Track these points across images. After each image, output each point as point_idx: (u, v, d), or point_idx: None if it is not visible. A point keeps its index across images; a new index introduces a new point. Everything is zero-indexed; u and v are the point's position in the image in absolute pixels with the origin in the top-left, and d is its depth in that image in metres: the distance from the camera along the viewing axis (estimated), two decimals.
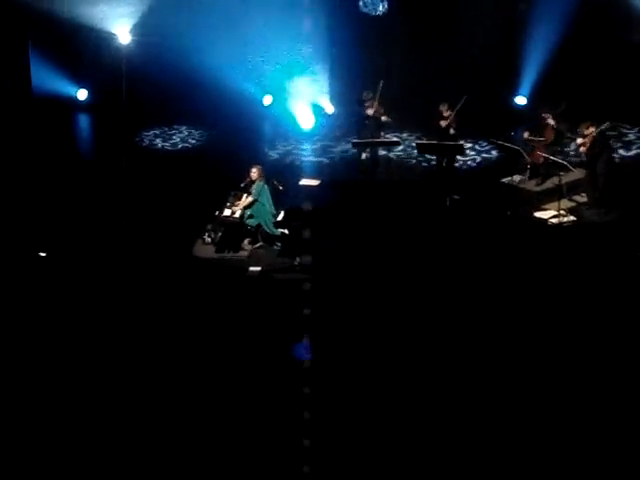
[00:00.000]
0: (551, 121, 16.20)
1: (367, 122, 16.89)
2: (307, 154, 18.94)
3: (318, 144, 19.37)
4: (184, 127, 20.70)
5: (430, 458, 9.45)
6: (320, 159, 18.78)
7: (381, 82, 16.69)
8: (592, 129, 15.22)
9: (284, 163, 18.44)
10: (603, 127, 15.34)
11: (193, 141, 20.17)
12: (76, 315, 12.34)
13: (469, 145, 18.40)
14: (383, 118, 16.90)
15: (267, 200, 14.62)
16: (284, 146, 19.39)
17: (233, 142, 19.10)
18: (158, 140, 20.12)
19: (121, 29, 20.45)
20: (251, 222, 14.60)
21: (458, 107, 16.31)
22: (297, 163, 18.61)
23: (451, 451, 9.52)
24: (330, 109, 18.14)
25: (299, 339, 10.67)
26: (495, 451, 9.50)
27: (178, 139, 20.24)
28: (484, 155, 18.35)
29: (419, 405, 10.24)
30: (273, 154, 19.05)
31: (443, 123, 16.39)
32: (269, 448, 9.58)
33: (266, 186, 14.67)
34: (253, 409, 10.21)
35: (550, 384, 10.56)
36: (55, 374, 11.06)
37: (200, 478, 9.41)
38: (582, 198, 15.69)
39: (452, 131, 16.37)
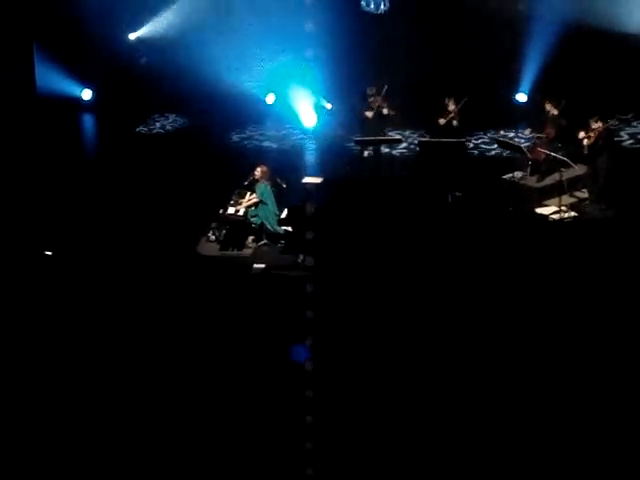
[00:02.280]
0: (555, 111, 16.21)
1: (367, 122, 16.92)
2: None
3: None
4: (173, 115, 20.89)
5: (433, 460, 9.45)
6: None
7: (385, 87, 16.73)
8: (600, 124, 15.29)
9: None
10: (610, 123, 15.49)
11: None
12: (80, 312, 12.38)
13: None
14: (384, 110, 16.87)
15: (270, 200, 14.71)
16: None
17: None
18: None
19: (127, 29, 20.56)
20: (255, 220, 14.69)
21: (459, 106, 16.40)
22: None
23: (454, 453, 9.52)
24: (328, 105, 18.26)
25: (299, 340, 10.65)
26: (497, 453, 9.51)
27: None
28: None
29: (422, 407, 10.23)
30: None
31: (442, 121, 16.47)
32: (272, 450, 9.60)
33: (269, 186, 14.76)
34: (255, 411, 10.22)
35: (551, 380, 10.58)
36: (58, 371, 11.11)
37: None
38: (583, 194, 15.73)
39: (455, 123, 16.44)
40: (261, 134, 19.84)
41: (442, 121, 16.51)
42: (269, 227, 14.69)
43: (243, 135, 19.80)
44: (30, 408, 10.38)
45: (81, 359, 11.31)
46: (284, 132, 19.77)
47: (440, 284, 12.94)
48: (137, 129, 20.23)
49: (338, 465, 9.37)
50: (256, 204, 14.68)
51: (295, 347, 10.76)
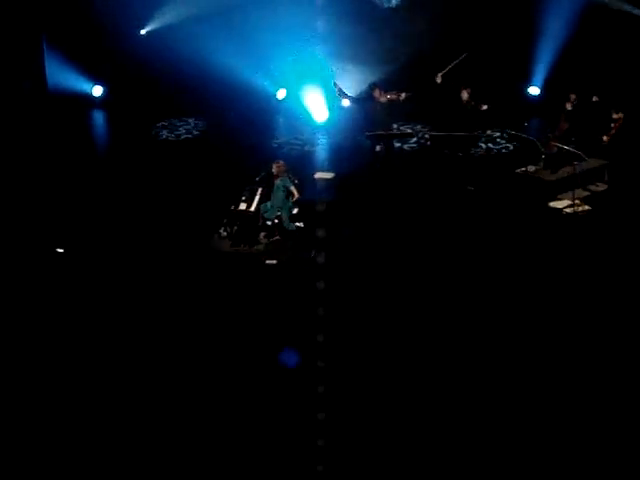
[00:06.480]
0: (568, 106, 16.39)
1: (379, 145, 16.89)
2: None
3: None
4: (192, 119, 20.73)
5: (442, 457, 9.46)
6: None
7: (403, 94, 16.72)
8: (620, 114, 15.53)
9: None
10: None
11: (197, 132, 20.23)
12: (94, 308, 12.46)
13: None
14: (403, 95, 16.75)
15: (284, 196, 14.72)
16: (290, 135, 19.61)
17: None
18: (164, 131, 20.14)
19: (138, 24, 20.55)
20: (267, 216, 14.72)
21: (458, 61, 16.56)
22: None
23: (464, 451, 9.52)
24: (345, 101, 18.15)
25: (308, 336, 10.57)
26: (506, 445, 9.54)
27: (184, 130, 20.34)
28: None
29: (433, 404, 10.25)
30: (277, 140, 19.28)
31: (439, 79, 16.58)
32: (283, 447, 9.61)
33: (288, 181, 14.80)
34: (267, 408, 10.23)
35: (563, 372, 10.63)
36: (70, 364, 11.22)
37: (216, 477, 9.46)
38: (597, 187, 15.76)
39: (485, 107, 16.48)
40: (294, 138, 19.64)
41: (439, 79, 16.57)
42: (281, 221, 14.72)
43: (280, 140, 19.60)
44: (39, 405, 10.40)
45: (95, 354, 11.37)
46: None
47: (452, 278, 12.99)
48: (165, 136, 20.09)
49: (349, 462, 9.35)
50: (269, 200, 14.69)
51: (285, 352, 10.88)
